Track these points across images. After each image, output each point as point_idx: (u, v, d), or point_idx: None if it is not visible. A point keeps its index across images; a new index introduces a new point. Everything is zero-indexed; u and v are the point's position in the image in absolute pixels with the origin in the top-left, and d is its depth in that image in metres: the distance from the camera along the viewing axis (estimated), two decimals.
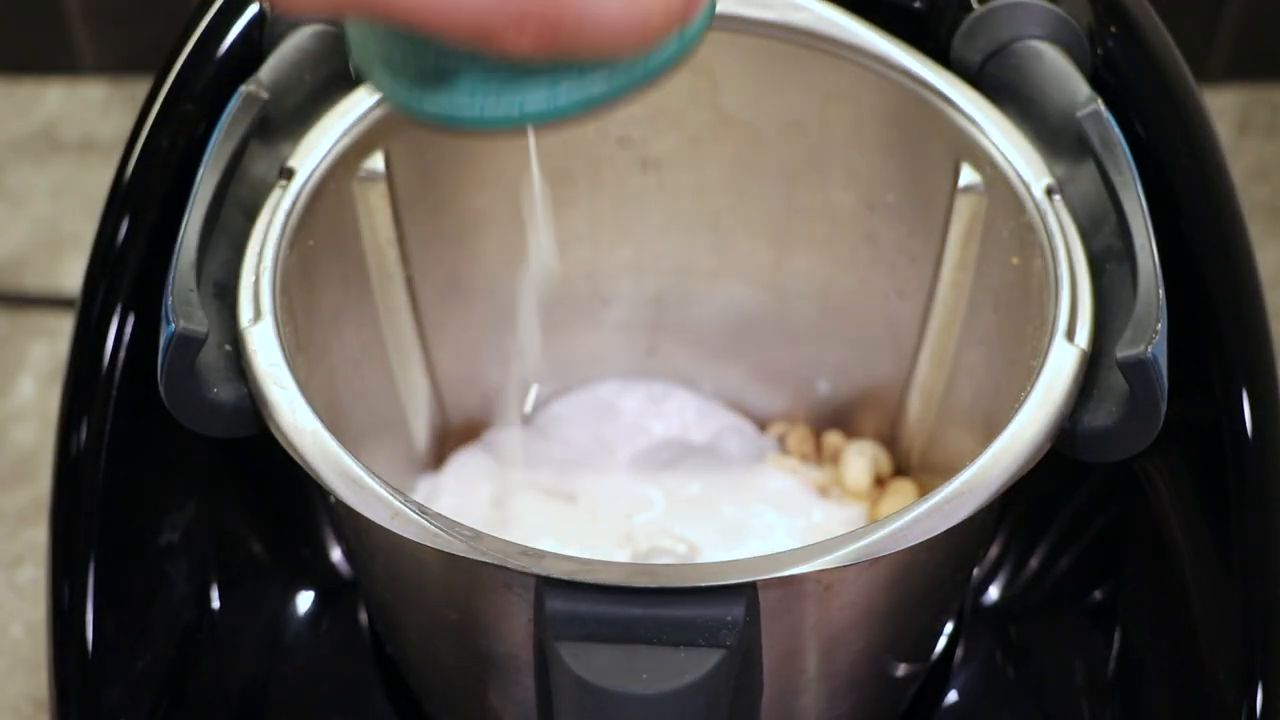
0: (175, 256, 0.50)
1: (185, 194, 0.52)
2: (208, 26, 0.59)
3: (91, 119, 0.99)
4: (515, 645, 0.50)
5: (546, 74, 0.42)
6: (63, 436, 0.58)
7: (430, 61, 0.42)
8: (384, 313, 0.63)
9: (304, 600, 0.65)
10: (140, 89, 0.60)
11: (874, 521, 0.47)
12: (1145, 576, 0.61)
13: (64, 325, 0.85)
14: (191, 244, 0.51)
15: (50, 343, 0.87)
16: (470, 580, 0.50)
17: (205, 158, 0.53)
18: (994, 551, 0.65)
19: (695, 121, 0.64)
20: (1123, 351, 0.48)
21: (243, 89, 0.55)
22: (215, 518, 0.62)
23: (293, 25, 0.58)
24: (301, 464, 0.48)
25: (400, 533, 0.46)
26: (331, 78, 0.57)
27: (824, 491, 0.67)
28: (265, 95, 0.55)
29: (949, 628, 0.62)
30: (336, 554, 0.65)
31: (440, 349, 0.67)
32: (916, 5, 0.61)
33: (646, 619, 0.44)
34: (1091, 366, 0.50)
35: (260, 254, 0.53)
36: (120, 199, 0.58)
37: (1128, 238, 0.51)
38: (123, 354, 0.57)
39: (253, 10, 0.59)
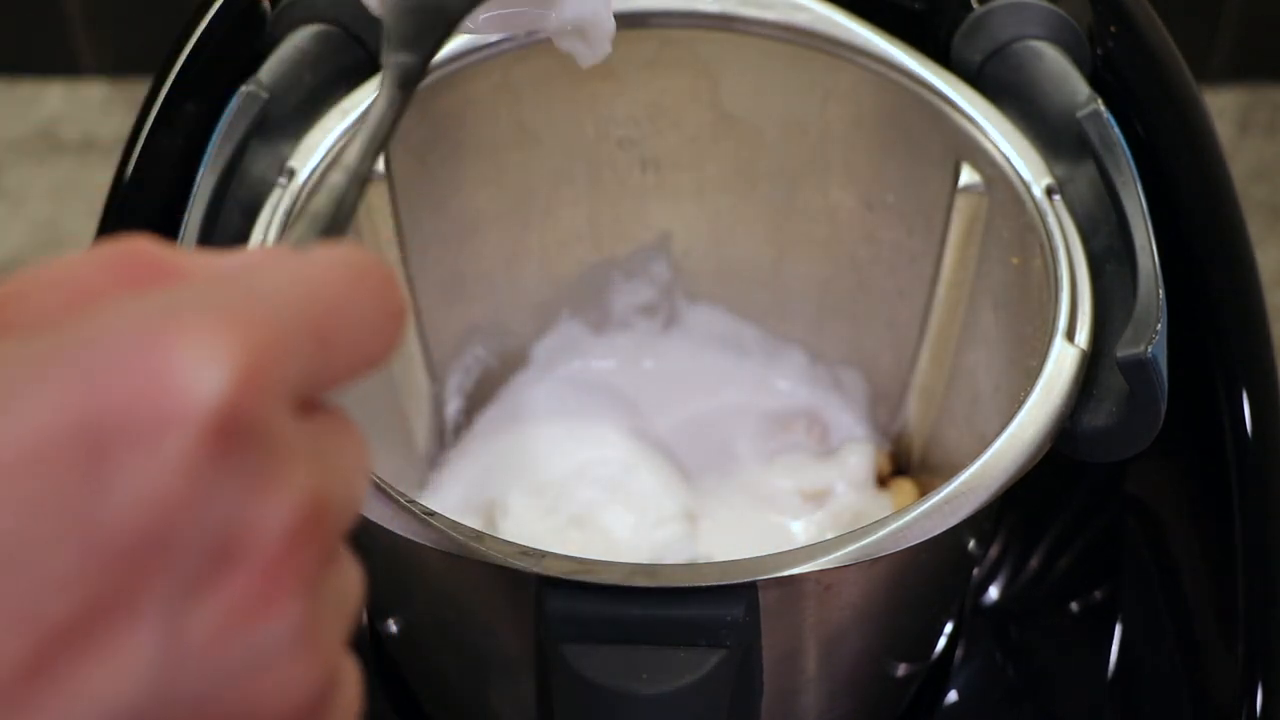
0: None
1: (185, 194, 0.52)
2: (208, 26, 0.59)
3: (91, 119, 0.99)
4: (515, 645, 0.50)
5: None
6: None
7: None
8: None
9: None
10: (140, 89, 0.60)
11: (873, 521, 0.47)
12: (1145, 576, 0.61)
13: None
14: (191, 244, 0.51)
15: None
16: (470, 580, 0.50)
17: (205, 158, 0.53)
18: (994, 551, 0.65)
19: (695, 121, 0.64)
20: (1123, 351, 0.48)
21: (243, 89, 0.55)
22: None
23: (293, 25, 0.58)
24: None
25: (400, 533, 0.46)
26: (331, 78, 0.57)
27: (824, 492, 0.67)
28: (265, 95, 0.55)
29: (949, 628, 0.62)
30: None
31: (440, 349, 0.67)
32: (916, 5, 0.61)
33: (646, 619, 0.44)
34: (1091, 366, 0.50)
35: None
36: (120, 199, 0.58)
37: (1128, 238, 0.51)
38: None
39: (253, 11, 0.59)
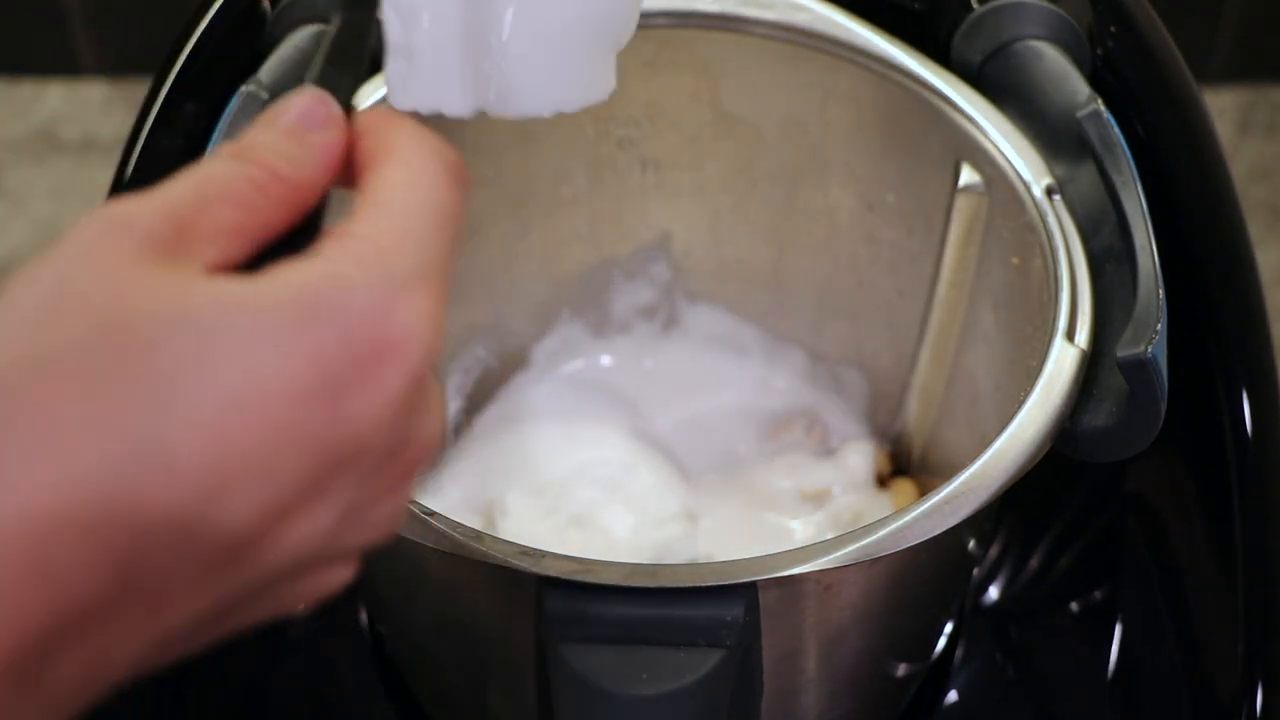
0: None
1: None
2: (208, 26, 0.59)
3: (91, 119, 0.99)
4: (515, 645, 0.50)
5: None
6: None
7: None
8: None
9: None
10: (140, 89, 0.60)
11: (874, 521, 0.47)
12: (1145, 576, 0.61)
13: None
14: None
15: None
16: (470, 580, 0.50)
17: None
18: (994, 551, 0.65)
19: (695, 121, 0.64)
20: (1123, 351, 0.48)
21: (243, 89, 0.55)
22: None
23: (293, 25, 0.58)
24: None
25: (401, 532, 0.46)
26: None
27: (824, 492, 0.67)
28: (265, 95, 0.55)
29: (949, 628, 0.62)
30: None
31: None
32: (916, 5, 0.61)
33: (646, 619, 0.44)
34: (1091, 366, 0.50)
35: None
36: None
37: (1128, 238, 0.51)
38: None
39: (253, 11, 0.59)
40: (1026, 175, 0.55)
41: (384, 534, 0.35)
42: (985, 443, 0.48)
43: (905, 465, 0.68)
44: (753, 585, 0.45)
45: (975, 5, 0.59)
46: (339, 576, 0.35)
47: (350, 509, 0.33)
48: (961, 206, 0.58)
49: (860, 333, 0.68)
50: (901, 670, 0.59)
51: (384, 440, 0.33)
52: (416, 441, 0.34)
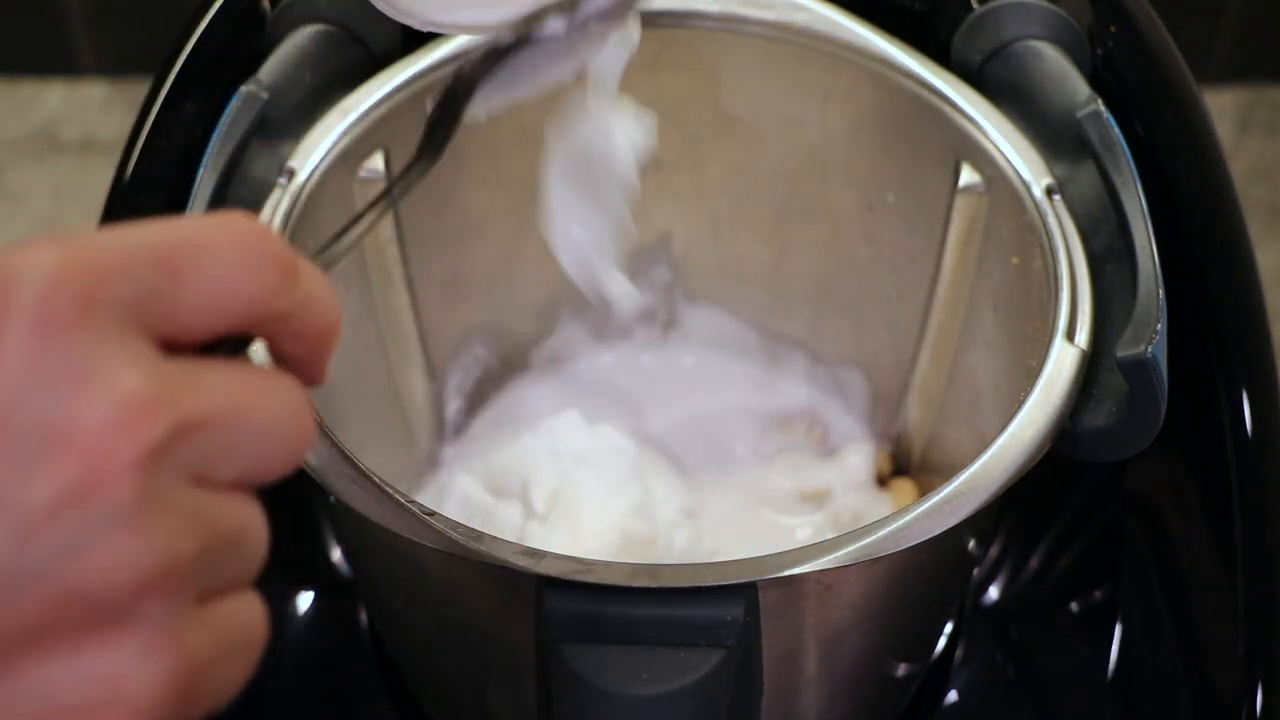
0: None
1: (185, 194, 0.52)
2: (208, 26, 0.59)
3: (91, 119, 0.99)
4: (515, 645, 0.50)
5: None
6: None
7: None
8: (384, 313, 0.63)
9: (304, 600, 0.65)
10: (140, 89, 0.60)
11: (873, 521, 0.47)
12: (1145, 576, 0.61)
13: None
14: None
15: None
16: (471, 580, 0.50)
17: (205, 158, 0.53)
18: (994, 551, 0.65)
19: (695, 121, 0.64)
20: (1123, 351, 0.48)
21: (243, 89, 0.55)
22: None
23: (293, 25, 0.58)
24: (302, 464, 0.48)
25: (401, 532, 0.46)
26: (331, 78, 0.57)
27: (824, 492, 0.67)
28: (265, 95, 0.55)
29: (949, 628, 0.62)
30: (336, 554, 0.65)
31: (440, 349, 0.67)
32: (916, 5, 0.61)
33: (646, 619, 0.44)
34: (1091, 366, 0.50)
35: None
36: (120, 199, 0.58)
37: (1128, 238, 0.51)
38: None
39: (253, 11, 0.59)
40: (1026, 175, 0.55)
41: (113, 561, 0.28)
42: (985, 443, 0.48)
43: (905, 465, 0.68)
44: (753, 585, 0.45)
45: (975, 5, 0.59)
46: (130, 638, 0.28)
47: (23, 511, 0.27)
48: (961, 206, 0.58)
49: (860, 333, 0.68)
50: (901, 670, 0.59)
51: (20, 410, 0.27)
52: (82, 420, 0.28)
